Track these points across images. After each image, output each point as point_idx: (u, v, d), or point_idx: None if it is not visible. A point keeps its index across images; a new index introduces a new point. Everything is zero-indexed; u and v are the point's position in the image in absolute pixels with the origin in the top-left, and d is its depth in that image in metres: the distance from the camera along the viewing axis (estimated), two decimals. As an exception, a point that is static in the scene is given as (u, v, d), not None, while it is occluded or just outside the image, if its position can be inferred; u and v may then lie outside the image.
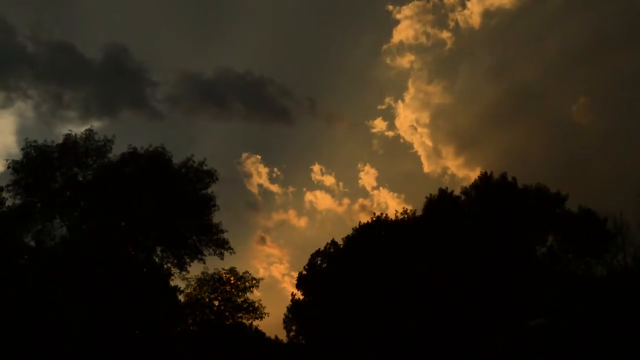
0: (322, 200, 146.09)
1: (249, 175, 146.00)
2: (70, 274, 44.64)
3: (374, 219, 68.50)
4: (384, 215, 68.57)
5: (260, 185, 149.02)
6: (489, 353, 46.52)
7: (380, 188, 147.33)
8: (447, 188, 63.79)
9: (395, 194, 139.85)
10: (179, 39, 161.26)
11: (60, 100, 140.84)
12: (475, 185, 61.91)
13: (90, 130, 48.39)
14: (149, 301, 48.53)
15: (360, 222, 70.23)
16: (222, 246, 51.23)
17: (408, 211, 66.30)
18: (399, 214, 66.51)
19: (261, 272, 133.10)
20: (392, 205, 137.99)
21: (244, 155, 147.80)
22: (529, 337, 45.43)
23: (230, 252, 51.61)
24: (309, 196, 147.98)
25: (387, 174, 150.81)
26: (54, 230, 47.96)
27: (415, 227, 61.60)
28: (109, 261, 47.07)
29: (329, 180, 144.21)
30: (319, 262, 71.74)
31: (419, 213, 64.29)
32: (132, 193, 47.26)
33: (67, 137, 47.92)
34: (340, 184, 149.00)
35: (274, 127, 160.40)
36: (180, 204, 49.34)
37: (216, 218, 51.52)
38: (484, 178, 61.75)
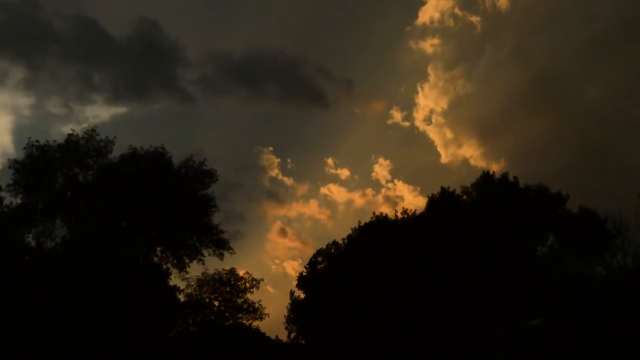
0: (338, 193, 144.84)
1: (264, 167, 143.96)
2: (70, 274, 44.73)
3: (373, 219, 68.53)
4: (384, 214, 68.63)
5: (275, 177, 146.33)
6: (490, 352, 46.46)
7: (395, 180, 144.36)
8: (449, 187, 63.85)
9: (411, 186, 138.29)
10: (209, 16, 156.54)
11: (89, 81, 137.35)
12: (476, 185, 61.86)
13: (92, 130, 48.56)
14: (149, 301, 48.62)
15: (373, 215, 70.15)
16: (222, 246, 51.33)
17: (409, 211, 66.34)
18: (399, 214, 66.52)
19: (274, 269, 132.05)
20: (408, 198, 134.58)
21: (264, 148, 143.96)
22: (529, 336, 45.35)
23: (231, 253, 51.83)
24: (331, 188, 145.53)
25: (403, 165, 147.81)
26: (54, 231, 48.30)
27: (416, 227, 61.57)
28: (109, 261, 47.20)
29: (344, 173, 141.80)
30: (319, 261, 71.76)
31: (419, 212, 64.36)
32: (132, 193, 47.36)
33: (69, 137, 48.09)
34: (355, 176, 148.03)
35: (309, 110, 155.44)
36: (180, 205, 49.44)
37: (216, 218, 51.82)
38: (485, 177, 61.71)
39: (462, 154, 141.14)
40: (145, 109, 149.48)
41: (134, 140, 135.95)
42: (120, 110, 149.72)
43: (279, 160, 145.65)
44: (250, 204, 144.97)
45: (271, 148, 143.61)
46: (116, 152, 49.41)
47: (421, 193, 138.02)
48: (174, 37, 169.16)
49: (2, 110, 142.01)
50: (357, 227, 69.36)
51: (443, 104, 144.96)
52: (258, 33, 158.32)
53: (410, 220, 65.01)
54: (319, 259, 72.17)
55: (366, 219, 72.35)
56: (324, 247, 73.07)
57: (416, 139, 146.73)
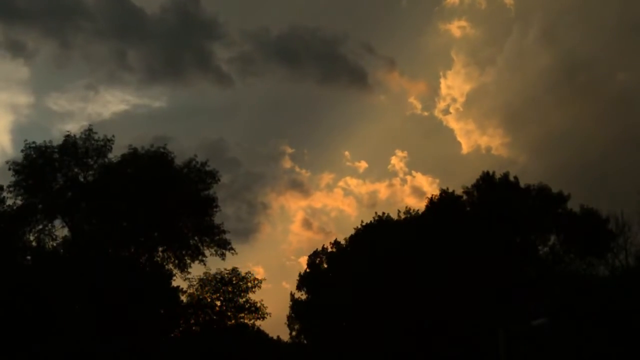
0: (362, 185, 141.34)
1: (293, 155, 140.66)
2: (71, 275, 44.79)
3: (376, 218, 68.51)
4: (386, 214, 68.58)
5: (299, 167, 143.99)
6: (491, 352, 46.35)
7: (413, 171, 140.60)
8: (447, 188, 63.87)
9: (430, 178, 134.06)
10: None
11: (122, 59, 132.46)
12: (477, 185, 61.86)
13: (89, 130, 48.58)
14: (150, 302, 48.67)
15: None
16: (223, 247, 51.39)
17: (411, 211, 66.34)
18: (402, 214, 66.52)
19: (288, 265, 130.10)
20: (428, 190, 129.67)
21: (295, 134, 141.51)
22: (530, 336, 45.31)
23: (232, 253, 51.89)
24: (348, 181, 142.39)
25: (421, 156, 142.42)
26: (55, 231, 48.40)
27: (418, 227, 61.53)
28: (110, 262, 47.26)
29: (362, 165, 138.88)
30: (319, 261, 71.76)
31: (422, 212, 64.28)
32: (133, 193, 47.37)
33: (67, 137, 48.12)
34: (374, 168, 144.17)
35: (349, 91, 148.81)
36: (181, 205, 49.46)
37: (218, 218, 51.88)
38: (486, 177, 61.70)
39: (486, 144, 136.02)
40: (179, 89, 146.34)
41: (164, 124, 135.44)
42: (152, 92, 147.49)
43: (304, 150, 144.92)
44: (274, 194, 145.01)
45: (299, 135, 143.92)
46: (117, 152, 49.53)
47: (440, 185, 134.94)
48: (211, 12, 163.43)
49: (26, 91, 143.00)
50: (359, 226, 69.37)
51: (466, 91, 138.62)
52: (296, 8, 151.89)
53: (411, 220, 64.95)
54: (318, 259, 72.13)
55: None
56: (323, 247, 73.09)
57: (437, 129, 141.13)
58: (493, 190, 59.80)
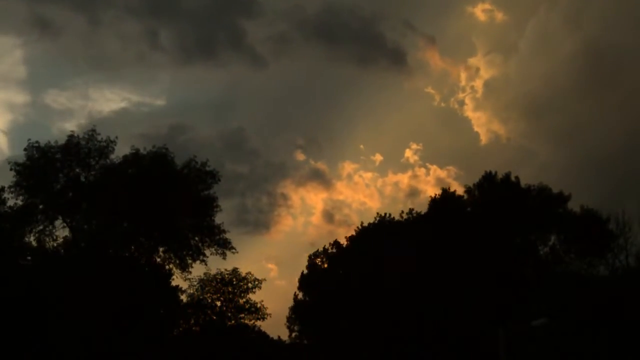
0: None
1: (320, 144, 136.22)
2: (71, 275, 44.88)
3: (378, 219, 68.53)
4: (388, 215, 68.55)
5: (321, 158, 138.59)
6: (491, 353, 46.38)
7: (427, 164, 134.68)
8: (449, 188, 63.90)
9: (446, 171, 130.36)
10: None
11: (154, 38, 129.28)
12: (478, 185, 61.91)
13: (92, 130, 48.69)
14: (150, 302, 48.77)
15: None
16: (224, 246, 51.51)
17: (413, 211, 66.35)
18: (404, 215, 66.51)
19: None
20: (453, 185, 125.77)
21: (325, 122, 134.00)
22: (531, 337, 45.31)
23: (233, 252, 52.03)
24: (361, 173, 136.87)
25: (437, 147, 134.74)
26: (56, 231, 48.47)
27: (419, 228, 61.56)
28: (110, 262, 47.37)
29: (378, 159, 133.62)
30: (318, 262, 71.70)
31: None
32: (134, 194, 47.46)
33: (69, 137, 48.23)
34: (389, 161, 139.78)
35: (386, 74, 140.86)
36: (182, 205, 49.53)
37: (219, 218, 51.96)
38: (487, 177, 61.74)
39: (505, 134, 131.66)
40: (210, 71, 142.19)
41: (184, 112, 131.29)
42: (184, 73, 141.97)
43: (329, 138, 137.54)
44: (293, 186, 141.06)
45: (328, 122, 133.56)
46: (119, 152, 49.67)
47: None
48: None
49: (55, 68, 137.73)
50: (359, 226, 69.42)
51: (486, 78, 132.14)
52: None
53: (412, 220, 64.97)
54: (317, 260, 72.06)
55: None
56: (323, 248, 73.01)
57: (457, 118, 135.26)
58: (494, 190, 59.81)
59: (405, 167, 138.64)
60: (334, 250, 71.40)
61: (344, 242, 70.83)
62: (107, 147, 48.91)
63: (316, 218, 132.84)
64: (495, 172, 61.35)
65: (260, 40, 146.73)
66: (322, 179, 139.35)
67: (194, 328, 54.82)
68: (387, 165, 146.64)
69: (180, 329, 54.34)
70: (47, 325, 43.07)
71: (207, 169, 50.94)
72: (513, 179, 60.58)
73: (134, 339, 45.41)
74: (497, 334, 40.05)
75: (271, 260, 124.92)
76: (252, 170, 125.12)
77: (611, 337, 45.16)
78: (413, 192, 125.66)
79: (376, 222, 68.14)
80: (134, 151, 49.57)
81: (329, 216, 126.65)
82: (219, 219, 51.86)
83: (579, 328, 45.86)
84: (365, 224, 68.67)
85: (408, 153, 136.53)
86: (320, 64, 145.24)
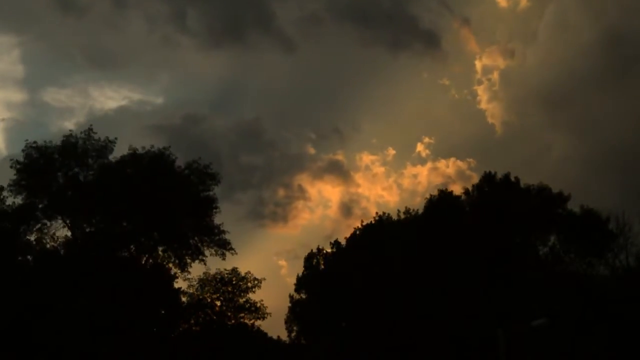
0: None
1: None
2: (71, 274, 44.85)
3: (377, 218, 68.50)
4: (386, 214, 68.52)
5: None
6: (491, 353, 46.38)
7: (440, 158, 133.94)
8: (446, 189, 63.89)
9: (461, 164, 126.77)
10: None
11: (182, 19, 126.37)
12: (477, 185, 61.92)
13: (90, 129, 48.67)
14: (150, 302, 48.76)
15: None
16: (223, 247, 51.52)
17: (411, 211, 66.32)
18: (402, 214, 66.48)
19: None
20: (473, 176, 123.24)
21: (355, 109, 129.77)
22: (530, 337, 45.30)
23: (232, 253, 52.02)
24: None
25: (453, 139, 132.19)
26: (55, 231, 48.56)
27: (417, 228, 61.55)
28: (110, 261, 47.36)
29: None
30: (315, 263, 71.67)
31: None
32: (133, 193, 47.47)
33: (67, 137, 48.19)
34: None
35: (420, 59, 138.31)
36: (181, 205, 49.52)
37: (218, 219, 51.93)
38: (487, 178, 61.74)
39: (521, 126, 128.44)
40: (236, 55, 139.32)
41: (204, 99, 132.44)
42: (210, 58, 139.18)
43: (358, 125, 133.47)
44: (311, 178, 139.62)
45: (355, 108, 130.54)
46: (117, 153, 49.66)
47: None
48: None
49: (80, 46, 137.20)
50: (360, 226, 69.37)
51: (501, 67, 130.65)
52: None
53: (411, 221, 64.95)
54: (314, 260, 72.00)
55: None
56: (318, 248, 72.97)
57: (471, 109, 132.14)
58: (493, 191, 59.80)
59: (423, 160, 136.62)
60: (334, 250, 71.38)
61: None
62: (105, 146, 48.93)
63: (333, 211, 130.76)
64: (495, 172, 61.41)
65: (290, 22, 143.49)
66: (339, 171, 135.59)
67: (194, 328, 54.77)
68: (404, 157, 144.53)
69: (181, 329, 54.29)
70: (46, 325, 43.01)
71: (209, 171, 50.99)
72: (513, 179, 60.64)
73: (134, 339, 45.34)
74: (497, 334, 40.04)
75: (282, 256, 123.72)
76: (268, 162, 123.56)
77: (611, 337, 45.19)
78: (432, 185, 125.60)
79: (374, 222, 68.16)
80: (132, 151, 49.61)
81: (346, 209, 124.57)
82: (219, 219, 52.07)
83: (579, 328, 45.88)
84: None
85: (420, 146, 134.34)
86: (350, 47, 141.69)
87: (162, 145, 50.31)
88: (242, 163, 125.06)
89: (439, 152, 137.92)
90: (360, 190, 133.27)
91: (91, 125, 49.20)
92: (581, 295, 47.34)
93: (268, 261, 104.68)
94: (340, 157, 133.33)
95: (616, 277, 52.43)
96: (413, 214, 65.47)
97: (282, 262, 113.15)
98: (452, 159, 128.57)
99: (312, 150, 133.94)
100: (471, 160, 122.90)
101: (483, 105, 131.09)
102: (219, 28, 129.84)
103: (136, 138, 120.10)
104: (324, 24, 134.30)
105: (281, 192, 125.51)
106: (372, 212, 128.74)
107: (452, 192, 62.76)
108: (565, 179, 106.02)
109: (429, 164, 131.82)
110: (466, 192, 62.13)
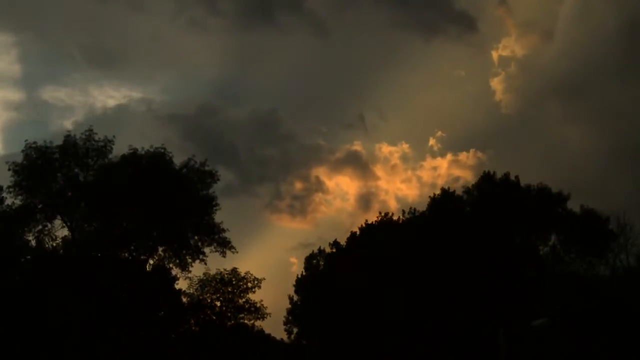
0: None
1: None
2: (71, 275, 44.85)
3: (378, 218, 68.52)
4: (389, 214, 68.50)
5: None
6: (491, 353, 46.39)
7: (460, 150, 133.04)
8: (449, 188, 63.78)
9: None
10: None
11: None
12: (477, 185, 61.92)
13: (90, 130, 48.64)
14: (150, 302, 48.75)
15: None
16: (224, 245, 51.50)
17: (415, 211, 66.35)
18: (405, 215, 66.48)
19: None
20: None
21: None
22: (531, 337, 45.31)
23: (233, 252, 52.01)
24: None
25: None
26: (55, 231, 48.37)
27: (418, 227, 61.54)
28: (110, 262, 47.37)
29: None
30: (315, 263, 71.63)
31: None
32: (133, 193, 47.44)
33: (67, 137, 48.17)
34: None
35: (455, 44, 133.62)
36: (181, 205, 49.49)
37: (218, 218, 51.88)
38: (486, 177, 61.74)
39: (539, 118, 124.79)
40: (264, 38, 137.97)
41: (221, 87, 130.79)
42: (237, 40, 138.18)
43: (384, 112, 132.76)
44: (328, 170, 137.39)
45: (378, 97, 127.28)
46: (118, 152, 49.60)
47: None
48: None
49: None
50: (362, 225, 69.38)
51: (518, 55, 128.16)
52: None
53: (412, 220, 64.95)
54: (314, 261, 71.97)
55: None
56: (319, 249, 72.95)
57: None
58: (493, 190, 59.78)
59: (443, 151, 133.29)
60: (333, 250, 71.35)
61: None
62: (105, 146, 48.89)
63: (351, 204, 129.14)
64: (494, 172, 61.43)
65: (322, 3, 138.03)
66: (358, 163, 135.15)
67: (193, 328, 54.69)
68: (424, 149, 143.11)
69: (181, 329, 54.24)
70: (47, 325, 43.02)
71: (206, 169, 50.94)
72: (513, 178, 60.64)
73: (134, 339, 45.34)
74: (497, 334, 40.05)
75: (298, 251, 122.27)
76: (284, 154, 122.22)
77: (611, 337, 45.15)
78: (451, 178, 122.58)
79: (377, 222, 68.17)
80: (131, 151, 49.58)
81: (364, 202, 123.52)
82: (219, 216, 51.91)
83: (579, 328, 45.85)
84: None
85: (438, 138, 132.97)
86: (382, 30, 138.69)
87: (178, 136, 50.18)
88: (258, 155, 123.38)
89: (458, 144, 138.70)
90: (379, 183, 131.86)
91: (91, 125, 49.17)
92: (581, 295, 47.29)
93: (278, 257, 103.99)
94: (358, 147, 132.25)
95: (616, 277, 52.43)
96: (416, 214, 65.59)
97: (294, 259, 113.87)
98: (472, 151, 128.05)
99: (329, 142, 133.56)
100: (490, 151, 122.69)
101: (499, 96, 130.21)
102: (248, 9, 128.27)
103: (147, 130, 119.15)
104: (358, 5, 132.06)
105: (298, 185, 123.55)
106: (392, 205, 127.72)
107: (454, 191, 62.77)
108: (583, 170, 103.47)
109: (449, 156, 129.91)
110: (466, 190, 62.15)
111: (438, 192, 63.70)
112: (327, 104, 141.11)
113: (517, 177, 60.52)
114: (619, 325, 44.82)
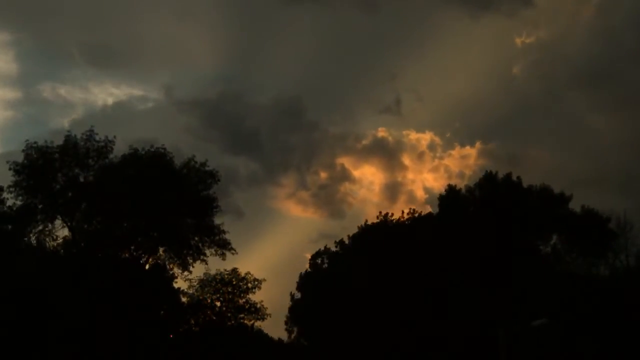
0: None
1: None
2: (71, 275, 44.96)
3: (381, 218, 68.50)
4: (390, 214, 68.51)
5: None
6: (491, 353, 46.33)
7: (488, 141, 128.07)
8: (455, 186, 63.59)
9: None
10: None
11: None
12: (479, 185, 61.81)
13: (90, 131, 48.73)
14: (151, 302, 48.83)
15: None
16: (224, 247, 51.53)
17: (416, 212, 66.42)
18: (406, 214, 66.48)
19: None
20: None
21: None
22: (531, 337, 45.21)
23: (233, 253, 52.03)
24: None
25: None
26: (55, 231, 48.50)
27: (419, 228, 61.53)
28: (110, 262, 47.45)
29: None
30: (320, 262, 71.61)
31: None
32: (133, 193, 47.49)
33: (67, 137, 48.25)
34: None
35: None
36: (181, 205, 49.53)
37: (218, 219, 51.94)
38: (488, 177, 61.63)
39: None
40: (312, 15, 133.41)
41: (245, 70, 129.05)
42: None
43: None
44: (355, 159, 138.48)
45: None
46: (117, 152, 49.67)
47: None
48: None
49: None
50: (363, 225, 69.36)
51: (543, 41, 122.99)
52: None
53: (414, 221, 64.96)
54: (318, 260, 71.95)
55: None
56: (325, 247, 72.90)
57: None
58: (495, 190, 59.68)
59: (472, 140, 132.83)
60: (337, 249, 71.33)
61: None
62: (105, 147, 48.95)
63: (376, 195, 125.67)
64: (496, 172, 61.32)
65: None
66: (384, 151, 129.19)
67: (193, 328, 54.83)
68: (453, 138, 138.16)
69: (181, 329, 54.35)
70: (47, 325, 43.12)
71: (206, 169, 50.92)
72: (515, 178, 60.53)
73: (134, 339, 45.42)
74: (497, 334, 40.04)
75: (320, 243, 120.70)
76: (308, 142, 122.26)
77: (611, 337, 45.02)
78: (481, 167, 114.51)
79: (380, 221, 68.16)
80: (132, 151, 49.62)
81: (391, 192, 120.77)
82: (220, 217, 52.01)
83: (579, 328, 45.72)
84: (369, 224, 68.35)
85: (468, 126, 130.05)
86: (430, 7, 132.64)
87: (200, 122, 50.05)
88: (281, 141, 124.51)
89: (486, 134, 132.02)
90: (406, 173, 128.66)
91: (92, 125, 49.24)
92: (581, 295, 47.17)
93: (299, 248, 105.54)
94: (384, 134, 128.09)
95: (617, 277, 52.27)
96: (417, 214, 65.63)
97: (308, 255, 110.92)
98: (498, 142, 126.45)
99: (357, 128, 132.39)
100: (518, 142, 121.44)
101: (524, 83, 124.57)
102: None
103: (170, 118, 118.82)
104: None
105: (323, 175, 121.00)
106: (419, 195, 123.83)
107: (460, 190, 62.57)
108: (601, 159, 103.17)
109: (478, 145, 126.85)
110: (469, 190, 62.06)
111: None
112: (354, 89, 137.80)
113: (519, 177, 60.44)
114: (619, 325, 44.66)
